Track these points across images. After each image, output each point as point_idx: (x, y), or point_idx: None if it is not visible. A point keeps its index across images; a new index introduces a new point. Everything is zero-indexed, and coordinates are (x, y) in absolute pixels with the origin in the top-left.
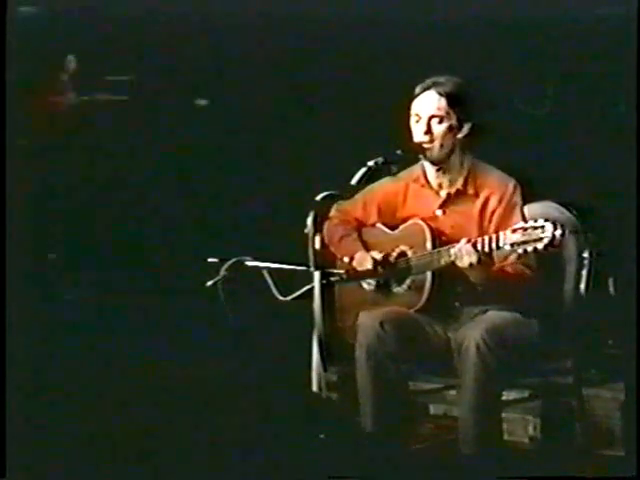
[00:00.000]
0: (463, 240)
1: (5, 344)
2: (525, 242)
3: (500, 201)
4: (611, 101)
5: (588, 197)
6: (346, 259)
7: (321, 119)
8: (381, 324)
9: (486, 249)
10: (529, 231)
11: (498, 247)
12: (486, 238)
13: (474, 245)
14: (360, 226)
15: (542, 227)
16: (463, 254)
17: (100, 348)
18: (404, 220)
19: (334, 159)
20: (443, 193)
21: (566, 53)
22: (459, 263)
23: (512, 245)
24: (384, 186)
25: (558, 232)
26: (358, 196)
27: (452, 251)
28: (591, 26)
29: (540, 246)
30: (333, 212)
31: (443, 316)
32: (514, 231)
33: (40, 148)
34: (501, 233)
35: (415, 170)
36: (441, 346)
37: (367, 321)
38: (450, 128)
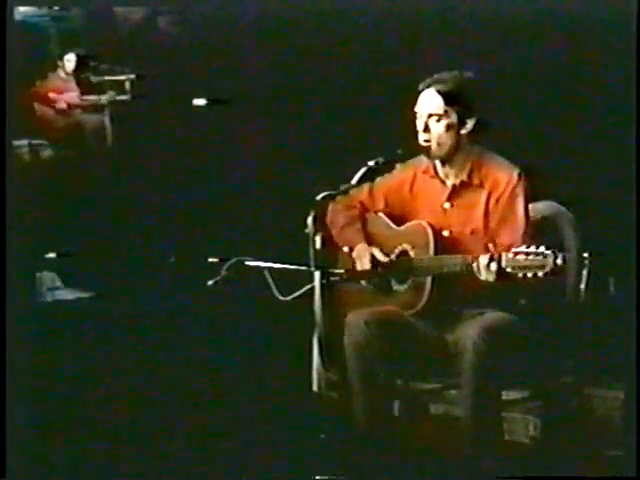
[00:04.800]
0: (485, 258)
1: (5, 344)
2: (526, 267)
3: (504, 190)
4: (611, 101)
5: (588, 197)
6: (346, 249)
7: (321, 119)
8: (366, 324)
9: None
10: (531, 257)
11: (500, 267)
12: (486, 256)
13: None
14: (364, 212)
15: (544, 255)
16: (482, 270)
17: (100, 348)
18: (411, 211)
19: (334, 159)
20: (449, 183)
21: (566, 52)
22: (481, 277)
23: (514, 268)
24: (392, 173)
25: (559, 261)
26: (366, 183)
27: (475, 265)
28: (591, 25)
29: (541, 274)
30: (337, 197)
31: (440, 317)
32: (516, 254)
33: (39, 148)
34: (503, 255)
35: (424, 160)
36: (435, 346)
37: (353, 321)
38: (449, 127)
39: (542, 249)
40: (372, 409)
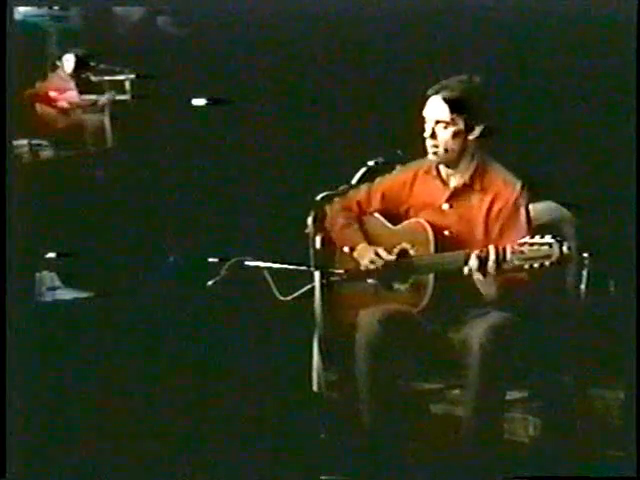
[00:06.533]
0: (475, 252)
1: (5, 344)
2: (532, 258)
3: (507, 201)
4: (612, 102)
5: (588, 197)
6: (346, 249)
7: (322, 119)
8: (380, 322)
9: (493, 262)
10: (536, 247)
11: (505, 260)
12: (492, 250)
13: (483, 257)
14: (362, 213)
15: (549, 244)
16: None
17: (100, 348)
18: (409, 211)
19: (334, 159)
20: (451, 185)
21: (566, 53)
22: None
23: (519, 260)
24: (391, 174)
25: (565, 250)
26: (364, 184)
27: (471, 262)
28: (592, 25)
29: (547, 263)
30: (336, 198)
31: (444, 316)
32: (521, 245)
33: (39, 148)
34: (508, 246)
35: (427, 161)
36: (441, 346)
37: (366, 319)
38: (455, 134)
39: (547, 238)
40: (381, 408)
